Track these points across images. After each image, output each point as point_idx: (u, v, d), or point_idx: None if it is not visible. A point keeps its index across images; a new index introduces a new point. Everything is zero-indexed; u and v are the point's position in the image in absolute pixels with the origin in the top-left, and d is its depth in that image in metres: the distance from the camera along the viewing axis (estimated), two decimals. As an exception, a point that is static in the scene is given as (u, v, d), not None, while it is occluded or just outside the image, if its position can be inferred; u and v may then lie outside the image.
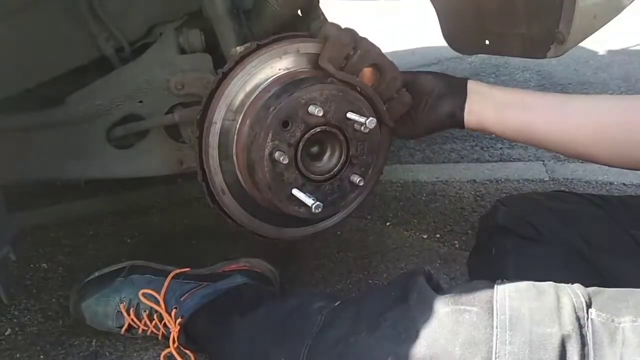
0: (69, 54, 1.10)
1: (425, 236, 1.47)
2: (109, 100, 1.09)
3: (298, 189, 0.91)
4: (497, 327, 0.64)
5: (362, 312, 0.78)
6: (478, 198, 1.65)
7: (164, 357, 1.05)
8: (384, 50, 0.96)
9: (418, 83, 1.01)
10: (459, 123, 0.99)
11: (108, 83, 1.09)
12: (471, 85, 0.99)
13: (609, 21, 1.31)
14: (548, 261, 0.94)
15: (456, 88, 0.99)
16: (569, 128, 0.92)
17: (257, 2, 1.03)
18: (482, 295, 0.68)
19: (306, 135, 0.89)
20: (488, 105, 0.97)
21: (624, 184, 1.68)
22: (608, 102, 0.95)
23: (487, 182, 1.74)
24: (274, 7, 0.97)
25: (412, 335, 0.68)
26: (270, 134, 0.86)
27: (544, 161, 1.89)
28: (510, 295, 0.67)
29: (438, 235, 1.46)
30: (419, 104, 1.01)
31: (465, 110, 0.98)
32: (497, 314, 0.65)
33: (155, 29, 1.15)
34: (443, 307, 0.69)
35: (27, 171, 1.16)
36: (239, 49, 0.95)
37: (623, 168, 0.94)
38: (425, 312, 0.69)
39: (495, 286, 0.70)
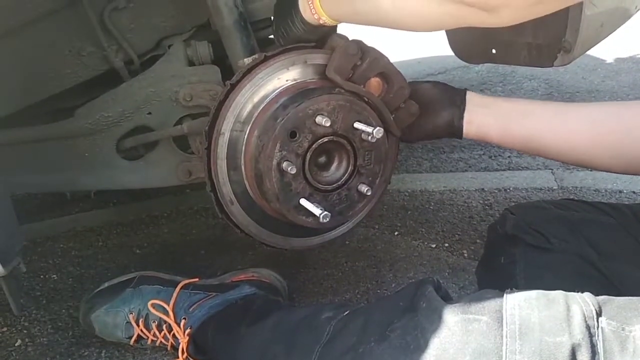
0: (78, 67, 1.12)
1: (433, 245, 1.46)
2: (118, 112, 1.10)
3: (306, 198, 0.91)
4: (506, 337, 0.64)
5: (371, 322, 0.78)
6: (486, 207, 1.64)
7: (173, 367, 1.05)
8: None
9: (417, 93, 1.02)
10: (457, 133, 1.00)
11: (117, 95, 1.10)
12: (470, 95, 1.00)
13: (616, 29, 1.31)
14: (557, 270, 0.93)
15: (455, 98, 1.00)
16: (568, 135, 0.92)
17: (280, 21, 0.98)
18: (491, 305, 0.68)
19: (314, 146, 0.90)
20: (489, 116, 0.98)
21: (634, 192, 1.67)
22: (606, 108, 0.96)
23: (496, 191, 1.74)
24: (300, 31, 0.93)
25: (421, 345, 0.67)
26: (278, 145, 0.87)
27: (552, 169, 1.88)
28: (520, 305, 0.67)
29: (447, 245, 1.46)
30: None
31: (465, 120, 0.99)
32: (506, 323, 0.65)
33: (164, 42, 1.16)
34: (452, 317, 0.69)
35: (37, 183, 1.18)
36: (247, 60, 0.96)
37: (623, 173, 0.94)
38: (434, 321, 0.69)
39: (505, 295, 0.69)
